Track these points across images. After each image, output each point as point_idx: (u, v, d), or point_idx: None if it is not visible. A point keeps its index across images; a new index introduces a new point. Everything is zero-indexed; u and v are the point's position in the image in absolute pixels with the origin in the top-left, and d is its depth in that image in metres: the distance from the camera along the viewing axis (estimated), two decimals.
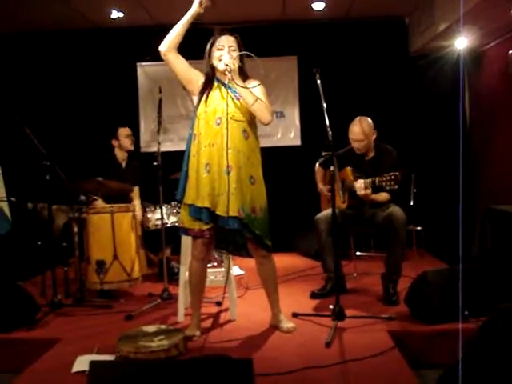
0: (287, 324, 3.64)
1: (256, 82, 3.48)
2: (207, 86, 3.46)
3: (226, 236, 3.41)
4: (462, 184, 5.96)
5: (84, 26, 6.51)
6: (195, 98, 3.50)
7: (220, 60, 3.39)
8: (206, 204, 3.33)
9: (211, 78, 3.48)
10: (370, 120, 4.44)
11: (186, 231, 3.49)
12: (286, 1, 5.95)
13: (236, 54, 3.39)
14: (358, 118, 4.45)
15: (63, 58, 6.68)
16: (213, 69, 3.47)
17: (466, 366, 2.08)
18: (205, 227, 3.41)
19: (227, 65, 3.31)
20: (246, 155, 3.40)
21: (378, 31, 6.65)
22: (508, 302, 2.33)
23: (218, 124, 3.35)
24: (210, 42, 3.47)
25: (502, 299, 3.49)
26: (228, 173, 3.31)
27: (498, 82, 6.07)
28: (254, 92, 3.38)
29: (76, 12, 6.00)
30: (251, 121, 3.47)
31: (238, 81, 3.35)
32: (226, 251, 3.62)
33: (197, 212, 3.38)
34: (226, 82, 3.36)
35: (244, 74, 3.49)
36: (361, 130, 4.38)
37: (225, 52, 3.38)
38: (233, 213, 3.29)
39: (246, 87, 3.35)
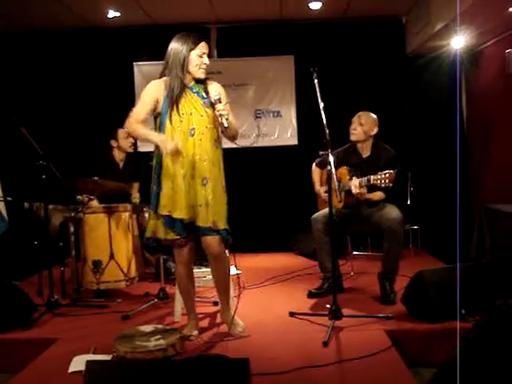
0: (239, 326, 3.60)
1: (217, 85, 3.46)
2: (175, 93, 3.32)
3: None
4: (459, 183, 5.97)
5: (81, 26, 6.51)
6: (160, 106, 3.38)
7: (200, 68, 3.33)
8: (183, 215, 3.28)
9: (181, 84, 3.34)
10: (374, 116, 4.48)
11: (159, 242, 3.40)
12: (283, 0, 5.94)
13: (218, 97, 3.32)
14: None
15: (60, 57, 6.67)
16: (183, 73, 3.34)
17: (462, 362, 2.08)
18: (179, 236, 3.36)
19: (221, 115, 3.26)
20: (217, 166, 3.39)
21: (375, 31, 6.65)
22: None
23: (192, 135, 3.29)
24: (187, 47, 3.32)
25: (500, 298, 3.49)
26: (204, 185, 3.30)
27: (495, 80, 6.07)
28: (224, 100, 3.35)
29: (73, 11, 5.99)
30: (218, 129, 3.42)
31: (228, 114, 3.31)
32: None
33: (171, 223, 3.32)
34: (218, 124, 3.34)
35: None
36: (364, 116, 4.44)
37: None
38: (210, 224, 3.30)
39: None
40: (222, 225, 3.36)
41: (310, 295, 4.45)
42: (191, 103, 3.34)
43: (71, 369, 3.05)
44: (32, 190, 4.63)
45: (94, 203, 4.91)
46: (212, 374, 2.36)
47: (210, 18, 6.55)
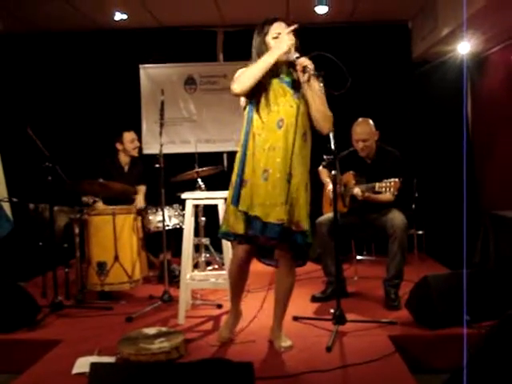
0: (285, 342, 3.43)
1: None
2: (263, 82, 3.15)
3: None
4: (465, 189, 5.96)
5: (88, 28, 6.53)
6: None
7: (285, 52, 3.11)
8: (257, 213, 3.07)
9: (268, 73, 3.14)
10: (370, 122, 4.49)
11: (241, 237, 3.22)
12: (290, 4, 5.95)
13: (296, 55, 3.14)
14: (361, 119, 4.51)
15: (66, 59, 6.70)
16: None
17: (473, 371, 2.07)
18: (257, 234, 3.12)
19: (306, 66, 3.07)
20: (303, 161, 3.19)
21: (381, 35, 6.66)
22: None
23: (281, 127, 3.11)
24: (262, 32, 3.22)
25: (504, 305, 3.49)
26: (289, 181, 3.09)
27: (501, 86, 6.06)
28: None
29: (80, 13, 6.01)
30: (310, 123, 3.24)
31: (314, 81, 3.13)
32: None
33: (252, 220, 3.11)
34: (302, 81, 3.11)
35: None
36: (365, 129, 4.43)
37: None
38: (293, 225, 3.12)
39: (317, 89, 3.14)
40: (306, 225, 3.16)
41: (314, 299, 4.45)
42: (280, 94, 3.17)
43: (75, 370, 3.05)
44: (37, 192, 4.64)
45: (100, 205, 4.93)
46: (216, 377, 2.36)
47: (216, 22, 6.57)
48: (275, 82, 3.20)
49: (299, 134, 3.15)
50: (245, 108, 3.27)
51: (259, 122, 3.15)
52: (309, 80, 3.10)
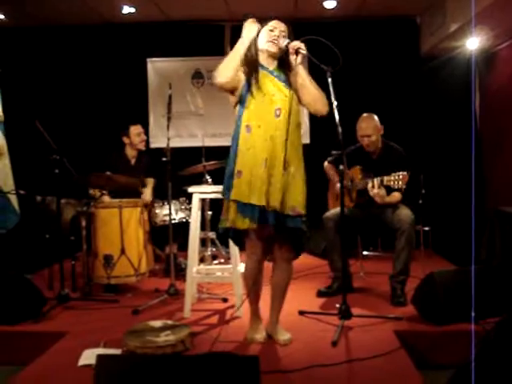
0: (283, 336, 3.43)
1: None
2: (253, 75, 3.20)
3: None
4: (473, 185, 5.95)
5: (95, 21, 6.54)
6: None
7: (274, 42, 3.19)
8: (262, 202, 3.07)
9: (255, 66, 3.22)
10: (375, 118, 4.47)
11: (239, 231, 3.23)
12: None
13: (287, 41, 3.20)
14: (365, 114, 4.49)
15: (74, 52, 6.71)
16: (257, 55, 3.25)
17: (481, 364, 2.06)
18: (254, 226, 3.11)
19: (299, 47, 3.13)
20: (298, 151, 3.23)
21: (390, 30, 6.64)
22: None
23: (278, 116, 3.14)
24: (258, 25, 3.27)
25: (510, 301, 3.48)
26: (286, 168, 3.13)
27: (509, 82, 6.04)
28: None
29: (88, 7, 6.01)
30: (300, 112, 3.30)
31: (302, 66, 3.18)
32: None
33: (247, 210, 3.10)
34: (295, 65, 3.16)
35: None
36: (369, 125, 4.41)
37: (279, 34, 3.21)
38: (289, 210, 3.14)
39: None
40: (303, 210, 3.17)
41: (320, 294, 4.45)
42: (273, 85, 3.21)
43: (81, 362, 3.07)
44: (45, 184, 4.65)
45: (106, 198, 4.93)
46: (222, 370, 2.36)
47: (224, 16, 6.56)
48: (266, 75, 3.24)
49: (294, 123, 3.20)
50: (235, 105, 3.30)
51: (256, 114, 3.18)
52: (299, 64, 3.18)
